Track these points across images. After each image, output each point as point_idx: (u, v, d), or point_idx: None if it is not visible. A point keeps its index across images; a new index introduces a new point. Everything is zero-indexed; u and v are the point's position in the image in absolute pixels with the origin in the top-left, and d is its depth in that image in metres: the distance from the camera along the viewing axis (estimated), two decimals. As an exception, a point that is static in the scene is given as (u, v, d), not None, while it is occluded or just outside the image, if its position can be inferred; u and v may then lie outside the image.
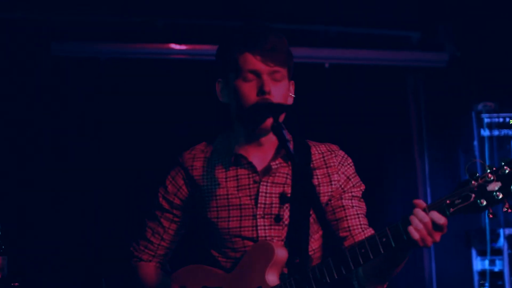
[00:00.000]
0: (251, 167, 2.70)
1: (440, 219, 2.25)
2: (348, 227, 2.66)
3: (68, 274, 4.80)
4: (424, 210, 2.27)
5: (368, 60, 5.69)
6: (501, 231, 5.38)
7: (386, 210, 5.54)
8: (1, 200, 4.84)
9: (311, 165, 2.73)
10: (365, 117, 5.59)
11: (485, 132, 5.53)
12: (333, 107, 5.56)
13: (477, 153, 5.48)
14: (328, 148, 2.80)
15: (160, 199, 2.86)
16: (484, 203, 2.18)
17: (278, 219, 2.65)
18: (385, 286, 2.61)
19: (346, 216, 2.67)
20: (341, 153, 2.80)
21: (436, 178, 5.70)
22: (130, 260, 2.93)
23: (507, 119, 5.58)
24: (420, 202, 2.31)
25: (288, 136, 2.60)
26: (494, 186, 2.15)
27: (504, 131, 5.57)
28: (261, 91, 2.59)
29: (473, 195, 2.19)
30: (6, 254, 3.36)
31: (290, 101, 2.75)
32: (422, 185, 5.73)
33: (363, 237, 2.56)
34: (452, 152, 5.67)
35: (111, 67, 5.20)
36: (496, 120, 5.57)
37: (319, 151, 2.77)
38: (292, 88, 2.78)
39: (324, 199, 2.71)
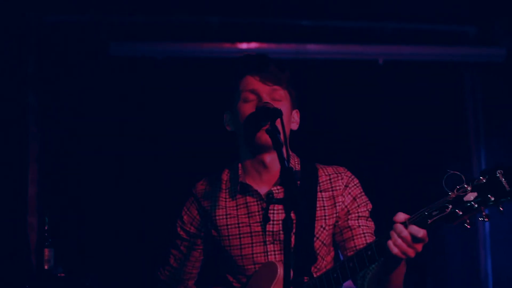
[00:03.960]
0: (257, 194, 2.80)
1: (419, 232, 2.29)
2: (355, 246, 2.73)
3: (112, 266, 4.98)
4: (403, 223, 2.31)
5: (423, 56, 5.61)
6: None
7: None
8: (49, 195, 5.08)
9: (318, 188, 2.81)
10: (420, 114, 5.53)
11: (543, 128, 5.43)
12: (387, 104, 5.54)
13: (534, 149, 5.39)
14: (335, 170, 2.87)
15: (178, 229, 3.01)
16: (461, 213, 2.21)
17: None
18: None
19: (352, 236, 2.75)
20: (348, 174, 2.86)
21: (493, 176, 5.60)
22: (156, 284, 3.10)
23: None
24: (400, 215, 2.35)
25: (296, 159, 2.83)
26: (470, 196, 2.18)
27: (562, 127, 5.46)
28: (260, 102, 2.70)
29: (450, 206, 2.22)
30: (53, 246, 3.51)
31: (294, 126, 2.86)
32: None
33: None
34: (510, 149, 5.57)
35: (168, 66, 5.32)
36: (554, 115, 5.45)
37: (326, 174, 2.85)
38: (297, 116, 2.89)
39: (330, 221, 2.79)
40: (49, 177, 5.21)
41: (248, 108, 2.73)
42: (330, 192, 2.81)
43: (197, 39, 5.38)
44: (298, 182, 2.77)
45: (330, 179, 2.83)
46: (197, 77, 5.36)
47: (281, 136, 2.44)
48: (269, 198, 2.68)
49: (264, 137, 2.64)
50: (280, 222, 2.72)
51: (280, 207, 2.74)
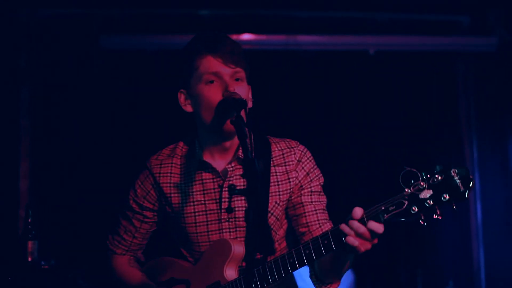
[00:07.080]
0: (214, 171, 2.77)
1: (379, 229, 2.32)
2: (307, 223, 2.73)
3: (96, 257, 4.98)
4: (362, 218, 2.34)
5: (415, 46, 5.60)
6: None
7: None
8: (33, 188, 5.11)
9: (271, 163, 2.78)
10: (412, 104, 5.52)
11: (536, 117, 5.40)
12: (378, 94, 5.52)
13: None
14: (288, 145, 2.83)
15: (131, 201, 2.95)
16: (416, 209, 2.26)
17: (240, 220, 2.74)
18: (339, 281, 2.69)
19: (304, 213, 2.75)
20: (300, 148, 2.82)
21: (485, 165, 5.60)
22: (106, 252, 3.07)
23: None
24: (357, 211, 2.35)
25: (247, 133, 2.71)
26: (426, 194, 2.24)
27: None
28: (227, 91, 2.64)
29: (406, 202, 2.28)
30: (37, 238, 3.51)
31: (250, 104, 2.79)
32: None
33: (321, 232, 2.63)
34: (502, 138, 5.55)
35: (158, 59, 5.32)
36: (547, 105, 5.42)
37: (279, 148, 2.82)
38: (250, 93, 2.82)
39: (284, 196, 2.77)
40: (41, 171, 5.22)
41: (212, 92, 2.67)
42: (284, 167, 2.79)
43: (188, 31, 5.36)
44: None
45: (283, 154, 2.81)
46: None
47: (246, 129, 2.44)
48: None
49: (229, 127, 2.61)
50: (235, 200, 2.74)
51: (236, 183, 2.75)
